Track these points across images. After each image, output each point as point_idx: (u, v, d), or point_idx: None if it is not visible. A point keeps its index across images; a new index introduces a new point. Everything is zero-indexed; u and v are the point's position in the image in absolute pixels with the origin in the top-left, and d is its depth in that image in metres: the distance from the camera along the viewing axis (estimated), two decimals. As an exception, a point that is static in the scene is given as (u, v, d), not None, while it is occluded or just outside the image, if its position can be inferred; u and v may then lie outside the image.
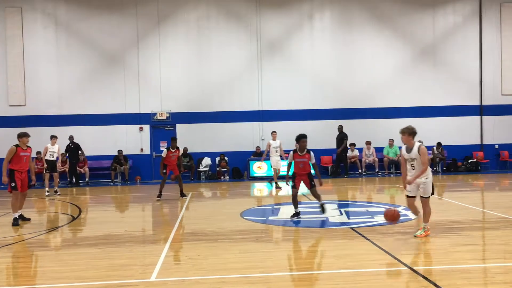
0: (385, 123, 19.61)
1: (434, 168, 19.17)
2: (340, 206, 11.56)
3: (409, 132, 7.52)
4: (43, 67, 18.69)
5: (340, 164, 18.96)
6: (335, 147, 18.88)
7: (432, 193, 7.63)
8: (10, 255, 7.52)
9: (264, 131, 19.22)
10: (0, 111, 18.45)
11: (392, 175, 19.09)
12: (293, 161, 9.65)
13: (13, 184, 9.82)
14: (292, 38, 19.77)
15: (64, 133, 18.50)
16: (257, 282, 5.68)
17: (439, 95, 20.07)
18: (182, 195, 13.75)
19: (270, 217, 10.41)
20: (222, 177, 19.05)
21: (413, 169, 7.48)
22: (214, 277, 5.89)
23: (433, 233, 7.84)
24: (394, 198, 13.16)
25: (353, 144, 19.24)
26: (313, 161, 9.68)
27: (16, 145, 10.03)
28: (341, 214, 10.37)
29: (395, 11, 20.04)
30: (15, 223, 9.71)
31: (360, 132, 19.53)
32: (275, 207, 11.83)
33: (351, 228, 8.68)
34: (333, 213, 10.41)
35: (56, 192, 15.14)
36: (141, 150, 19.23)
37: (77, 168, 18.08)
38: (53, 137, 15.37)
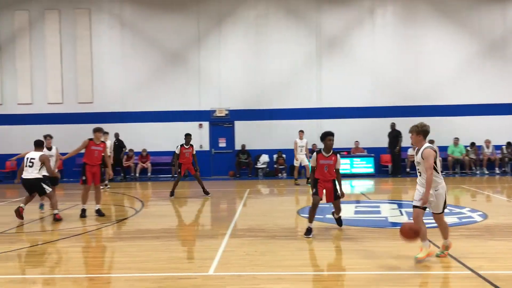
0: (449, 121, 18.86)
1: (503, 169, 18.23)
2: (401, 206, 11.25)
3: (418, 131, 6.13)
4: (109, 66, 19.47)
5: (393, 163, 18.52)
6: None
7: (444, 208, 6.23)
8: (77, 245, 7.91)
9: (322, 129, 19.03)
10: (70, 108, 19.41)
11: (456, 175, 18.34)
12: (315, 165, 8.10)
13: (83, 178, 10.17)
14: (352, 34, 19.44)
15: (128, 129, 19.23)
16: (313, 280, 5.65)
17: (508, 92, 19.04)
18: (206, 192, 13.61)
19: (327, 215, 10.30)
20: (279, 174, 19.08)
21: (420, 175, 6.20)
22: (271, 274, 5.91)
23: (499, 236, 7.45)
24: (458, 200, 12.65)
25: (415, 143, 18.65)
26: (338, 166, 8.08)
27: (90, 139, 10.35)
28: (401, 214, 10.09)
29: (461, 4, 19.21)
30: (83, 214, 10.14)
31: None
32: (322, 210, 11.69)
33: (412, 229, 8.41)
34: (393, 213, 10.15)
35: (106, 185, 15.77)
36: (200, 146, 19.60)
37: (140, 163, 18.75)
38: (105, 134, 16.10)
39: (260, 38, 19.38)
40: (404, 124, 18.29)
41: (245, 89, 19.41)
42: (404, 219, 9.45)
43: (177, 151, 13.28)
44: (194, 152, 13.45)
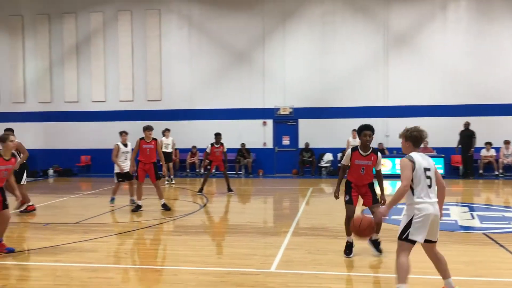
0: (527, 121, 17.75)
1: None
2: (472, 209, 10.74)
3: (406, 136, 4.99)
4: (177, 65, 20.02)
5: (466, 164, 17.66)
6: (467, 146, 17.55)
7: (402, 236, 4.70)
8: (145, 238, 8.22)
9: (389, 128, 18.56)
10: (140, 105, 20.17)
11: (534, 179, 17.25)
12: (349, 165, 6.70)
13: (135, 175, 10.66)
14: (422, 31, 18.76)
15: (194, 126, 19.71)
16: (376, 282, 5.53)
17: None
18: (229, 190, 13.62)
19: (393, 216, 10.02)
20: (343, 174, 18.79)
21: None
22: (333, 273, 5.85)
23: None
24: (535, 204, 11.88)
25: (489, 143, 17.73)
26: (379, 166, 6.65)
27: (141, 138, 10.63)
28: (473, 218, 9.63)
29: (543, -4, 17.98)
30: (135, 209, 10.47)
31: (497, 130, 17.93)
32: (399, 206, 11.36)
33: (484, 233, 8.02)
34: (463, 217, 9.72)
35: (171, 180, 16.30)
36: (264, 144, 19.71)
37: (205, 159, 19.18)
38: (167, 130, 16.76)
39: (325, 36, 19.18)
40: (476, 124, 17.49)
41: (309, 87, 19.29)
42: (476, 223, 9.01)
43: (208, 150, 13.59)
44: (225, 150, 13.70)
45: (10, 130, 10.09)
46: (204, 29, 19.85)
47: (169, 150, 16.76)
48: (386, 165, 18.01)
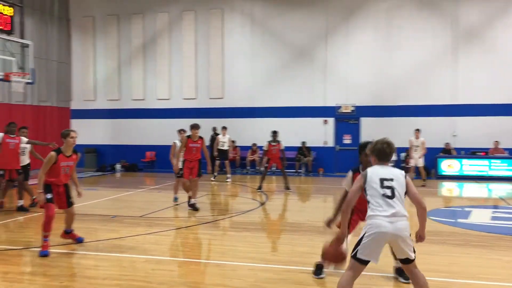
0: None
1: None
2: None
3: (370, 149, 4.56)
4: (239, 63, 20.23)
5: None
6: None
7: (353, 255, 4.19)
8: (206, 233, 8.37)
9: (456, 127, 17.81)
10: (203, 103, 20.58)
11: None
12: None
13: (181, 172, 10.64)
14: (493, 25, 17.81)
15: (255, 124, 19.84)
16: (440, 287, 5.32)
17: None
18: (287, 188, 13.50)
19: (459, 220, 9.62)
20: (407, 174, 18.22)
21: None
22: (384, 275, 5.69)
23: None
24: None
25: None
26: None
27: (188, 136, 10.43)
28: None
29: None
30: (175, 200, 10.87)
31: None
32: (466, 209, 10.89)
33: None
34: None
35: (228, 178, 16.57)
36: (325, 142, 19.51)
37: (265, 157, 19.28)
38: (224, 128, 16.98)
39: (390, 31, 18.66)
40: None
41: (372, 85, 18.86)
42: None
43: (265, 148, 13.69)
44: (283, 148, 13.71)
45: (15, 125, 10.57)
46: (266, 27, 19.92)
47: (226, 147, 17.09)
48: (454, 166, 17.31)
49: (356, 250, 4.13)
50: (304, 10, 19.46)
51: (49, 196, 6.61)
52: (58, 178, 6.69)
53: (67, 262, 6.36)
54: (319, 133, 19.55)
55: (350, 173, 5.54)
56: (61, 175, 6.72)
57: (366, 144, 5.33)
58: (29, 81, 15.04)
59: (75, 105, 21.85)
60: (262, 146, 19.50)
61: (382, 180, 4.17)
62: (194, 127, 10.42)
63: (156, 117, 20.84)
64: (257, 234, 8.10)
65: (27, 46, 15.02)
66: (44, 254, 6.43)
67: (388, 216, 4.03)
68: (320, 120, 19.47)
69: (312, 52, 19.52)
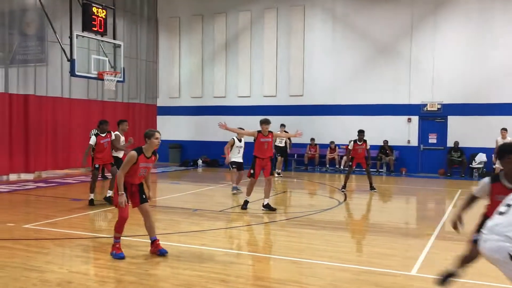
0: None
1: None
2: None
3: None
4: (320, 60, 20.04)
5: None
6: None
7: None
8: (284, 230, 8.40)
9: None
10: (282, 100, 20.64)
11: None
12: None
13: (252, 171, 9.92)
14: None
15: (335, 122, 19.57)
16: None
17: None
18: (371, 188, 13.04)
19: None
20: (498, 176, 17.09)
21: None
22: (481, 283, 5.37)
23: None
24: None
25: None
26: None
27: (259, 131, 10.01)
28: None
29: None
30: (244, 206, 9.92)
31: None
32: None
33: None
34: None
35: (278, 174, 16.91)
36: (408, 141, 18.81)
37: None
38: (282, 126, 17.15)
39: (482, 25, 17.55)
40: None
41: (461, 82, 17.87)
42: None
43: (350, 147, 13.33)
44: (368, 147, 13.31)
45: (124, 121, 11.05)
46: (348, 22, 19.55)
47: (283, 144, 17.33)
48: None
49: None
50: (388, 4, 18.86)
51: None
52: (133, 179, 6.27)
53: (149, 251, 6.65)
54: (402, 132, 18.88)
55: (487, 180, 4.60)
56: (137, 176, 6.28)
57: (509, 147, 4.49)
58: (120, 79, 15.94)
59: (161, 102, 22.83)
60: (340, 145, 19.30)
61: None
62: (265, 122, 9.94)
63: (237, 114, 21.21)
64: (335, 233, 8.00)
65: (119, 46, 15.93)
66: (119, 257, 6.14)
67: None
68: (403, 118, 18.80)
69: (396, 48, 18.87)
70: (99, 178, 11.49)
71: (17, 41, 17.29)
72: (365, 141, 13.27)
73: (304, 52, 20.24)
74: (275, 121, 19.65)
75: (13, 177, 15.44)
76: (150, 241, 6.48)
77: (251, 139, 10.65)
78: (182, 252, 6.57)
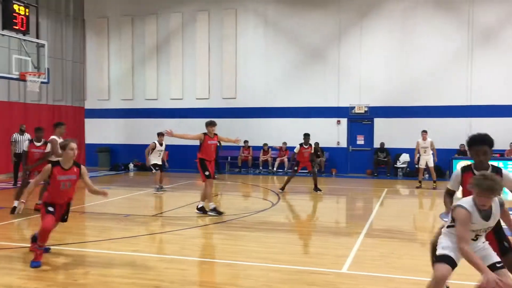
0: None
1: None
2: None
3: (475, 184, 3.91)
4: (252, 63, 20.22)
5: None
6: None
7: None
8: (218, 233, 8.38)
9: (472, 128, 17.61)
10: (215, 103, 20.59)
11: None
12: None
13: (207, 173, 9.73)
14: (510, 25, 17.59)
15: (268, 124, 19.83)
16: (456, 289, 5.25)
17: None
18: (316, 189, 13.51)
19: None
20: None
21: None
22: (408, 278, 5.64)
23: None
24: None
25: None
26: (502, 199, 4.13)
27: (205, 133, 9.91)
28: None
29: None
30: (214, 213, 9.74)
31: None
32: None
33: None
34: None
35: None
36: (338, 143, 19.43)
37: (278, 158, 19.30)
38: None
39: (405, 32, 18.50)
40: None
41: (386, 86, 18.73)
42: None
43: (296, 150, 13.54)
44: (312, 151, 13.95)
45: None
46: (279, 27, 19.89)
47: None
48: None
49: None
50: (317, 11, 19.40)
51: (50, 208, 6.10)
52: (57, 196, 6.11)
53: (79, 260, 6.39)
54: (332, 134, 19.48)
55: (458, 171, 4.60)
56: (60, 191, 6.09)
57: (477, 138, 4.52)
58: (44, 80, 15.19)
59: (89, 104, 22.03)
60: (272, 147, 19.58)
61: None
62: (211, 124, 9.87)
63: (170, 117, 20.92)
64: (269, 234, 8.09)
65: (42, 46, 15.18)
66: (35, 265, 5.91)
67: None
68: (333, 120, 19.40)
69: (325, 53, 19.45)
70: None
71: None
72: (310, 145, 13.56)
73: (237, 55, 20.34)
74: (209, 120, 19.68)
75: None
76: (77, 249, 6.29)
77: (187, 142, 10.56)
78: (113, 259, 6.37)
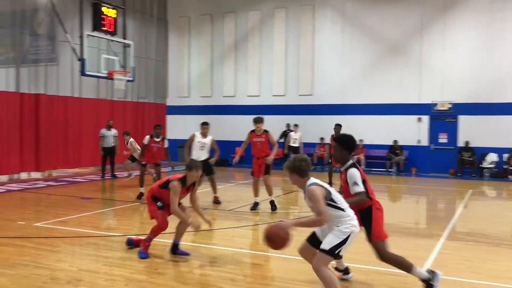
0: None
1: None
2: None
3: (290, 168, 4.47)
4: (329, 59, 19.97)
5: None
6: None
7: (337, 252, 4.52)
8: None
9: None
10: (291, 100, 20.60)
11: None
12: None
13: (252, 170, 9.97)
14: None
15: (343, 121, 19.47)
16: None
17: None
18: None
19: None
20: (509, 176, 16.95)
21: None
22: (492, 284, 5.32)
23: None
24: None
25: None
26: None
27: (252, 131, 9.96)
28: None
29: None
30: (254, 207, 9.90)
31: None
32: None
33: None
34: None
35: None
36: (418, 141, 18.69)
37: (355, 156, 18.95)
38: (296, 126, 17.16)
39: (493, 25, 17.38)
40: None
41: (472, 81, 17.72)
42: None
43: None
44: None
45: (206, 124, 11.36)
46: (357, 22, 19.47)
47: (297, 144, 17.31)
48: None
49: (340, 249, 4.44)
50: (398, 5, 18.75)
51: (160, 204, 6.31)
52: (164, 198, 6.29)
53: (160, 250, 6.66)
54: (412, 131, 18.78)
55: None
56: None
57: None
58: (130, 79, 16.02)
59: (170, 101, 22.90)
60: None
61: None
62: (258, 120, 9.79)
63: (246, 114, 21.19)
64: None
65: (128, 46, 16.01)
66: (143, 257, 6.16)
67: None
68: (413, 117, 18.68)
69: (406, 47, 18.77)
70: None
71: (28, 41, 17.43)
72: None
73: (314, 52, 20.19)
74: (284, 120, 19.80)
75: (24, 175, 15.58)
76: (172, 242, 6.42)
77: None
78: (192, 251, 6.57)
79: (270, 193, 9.85)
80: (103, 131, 15.39)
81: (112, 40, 15.38)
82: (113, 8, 15.09)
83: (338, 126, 13.16)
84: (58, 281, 5.25)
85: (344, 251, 4.53)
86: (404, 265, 4.97)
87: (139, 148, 13.15)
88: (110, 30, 14.97)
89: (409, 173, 18.37)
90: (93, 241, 7.17)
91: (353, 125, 19.16)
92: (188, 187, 6.30)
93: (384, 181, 15.28)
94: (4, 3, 16.04)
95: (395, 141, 18.52)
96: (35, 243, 6.92)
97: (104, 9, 14.72)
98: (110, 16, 14.92)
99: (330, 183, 13.21)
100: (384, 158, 18.59)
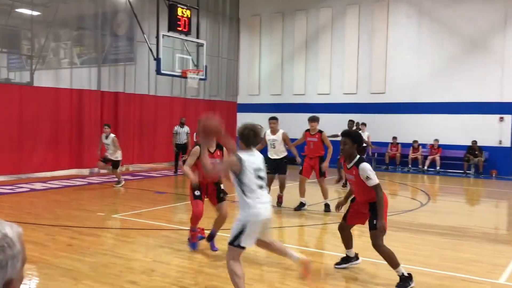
0: None
1: None
2: None
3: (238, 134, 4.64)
4: (403, 56, 19.33)
5: None
6: None
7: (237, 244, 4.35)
8: (356, 229, 8.22)
9: None
10: (363, 98, 20.19)
11: None
12: None
13: (301, 168, 9.87)
14: None
15: (417, 120, 18.83)
16: None
17: None
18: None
19: None
20: None
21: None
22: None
23: None
24: None
25: None
26: None
27: (307, 130, 9.85)
28: None
29: None
30: (298, 208, 9.68)
31: None
32: None
33: None
34: None
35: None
36: (500, 142, 17.65)
37: (430, 155, 18.24)
38: (363, 124, 16.73)
39: None
40: None
41: (561, 78, 16.46)
42: None
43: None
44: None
45: (274, 119, 10.53)
46: (435, 16, 18.69)
47: (364, 144, 16.68)
48: None
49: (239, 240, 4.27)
50: (480, -3, 17.78)
51: (197, 193, 6.32)
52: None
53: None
54: (493, 131, 17.76)
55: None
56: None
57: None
58: (202, 77, 16.42)
59: (241, 99, 23.22)
60: (423, 144, 18.52)
61: (256, 170, 4.37)
62: (312, 119, 9.61)
63: (316, 112, 20.94)
64: (416, 235, 7.71)
65: (201, 45, 16.42)
66: (191, 247, 6.39)
67: (265, 203, 4.31)
68: (495, 117, 17.66)
69: (487, 43, 17.77)
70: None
71: (109, 41, 18.38)
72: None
73: (387, 49, 19.65)
74: (355, 118, 19.37)
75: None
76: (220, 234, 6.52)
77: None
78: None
79: (325, 196, 9.66)
80: (176, 128, 15.90)
81: (186, 40, 15.84)
82: (187, 8, 15.53)
83: (351, 122, 12.74)
84: (133, 271, 5.50)
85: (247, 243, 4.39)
86: (393, 261, 5.15)
87: None
88: (185, 30, 15.42)
89: (489, 175, 17.40)
90: (165, 234, 7.44)
91: (427, 124, 18.53)
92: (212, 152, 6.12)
93: (461, 183, 14.56)
94: (87, 6, 17.02)
95: (474, 142, 17.60)
96: (113, 234, 7.31)
97: (179, 9, 15.18)
98: (185, 17, 15.36)
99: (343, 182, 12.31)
100: (461, 160, 17.74)
